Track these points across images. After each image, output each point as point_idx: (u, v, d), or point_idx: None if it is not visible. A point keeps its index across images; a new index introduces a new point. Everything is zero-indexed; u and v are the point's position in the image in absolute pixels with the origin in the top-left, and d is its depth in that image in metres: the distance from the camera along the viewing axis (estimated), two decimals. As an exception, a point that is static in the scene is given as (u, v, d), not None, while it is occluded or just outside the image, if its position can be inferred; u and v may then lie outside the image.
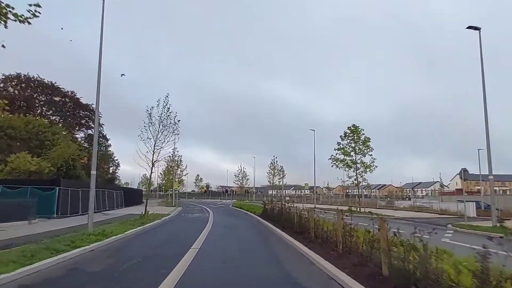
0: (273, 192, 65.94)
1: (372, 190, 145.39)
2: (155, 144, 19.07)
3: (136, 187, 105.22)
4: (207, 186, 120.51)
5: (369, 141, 26.62)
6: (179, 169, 48.20)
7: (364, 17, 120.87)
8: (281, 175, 51.74)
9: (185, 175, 49.96)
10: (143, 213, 18.97)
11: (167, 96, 19.40)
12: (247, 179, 68.98)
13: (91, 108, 49.10)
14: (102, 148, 57.97)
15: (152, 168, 19.33)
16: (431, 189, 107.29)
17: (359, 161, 26.72)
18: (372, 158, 26.55)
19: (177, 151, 43.69)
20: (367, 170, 26.53)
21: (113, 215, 22.63)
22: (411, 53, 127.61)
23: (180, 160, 48.42)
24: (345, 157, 26.69)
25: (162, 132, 19.09)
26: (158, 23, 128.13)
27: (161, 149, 18.98)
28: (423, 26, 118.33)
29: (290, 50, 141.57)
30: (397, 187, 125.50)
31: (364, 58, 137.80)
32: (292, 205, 13.68)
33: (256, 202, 61.72)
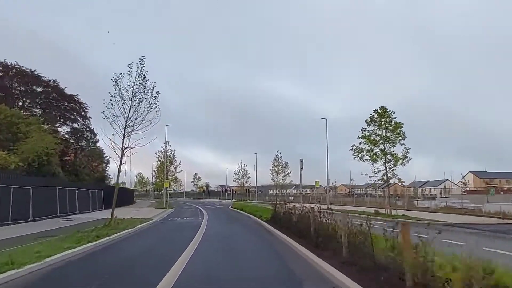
0: (275, 192, 60.78)
1: (375, 189, 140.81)
2: (126, 124, 13.88)
3: (133, 187, 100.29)
4: (207, 186, 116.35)
5: (401, 127, 21.38)
6: (172, 165, 42.87)
7: (366, 13, 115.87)
8: (286, 172, 46.53)
9: (179, 172, 44.61)
10: (110, 219, 13.79)
11: (143, 60, 14.16)
12: (248, 177, 63.80)
13: (77, 99, 44.07)
14: (90, 144, 52.94)
15: (122, 158, 14.10)
16: (441, 188, 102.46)
17: (388, 152, 21.45)
18: (405, 148, 21.30)
19: (170, 145, 38.57)
20: (399, 163, 21.30)
21: (78, 220, 17.50)
22: (415, 48, 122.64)
23: (173, 155, 43.12)
24: (372, 146, 21.39)
25: (135, 109, 13.90)
26: (152, 18, 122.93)
27: (133, 131, 13.76)
28: (428, 18, 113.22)
29: (290, 47, 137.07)
30: (402, 186, 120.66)
31: (366, 54, 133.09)
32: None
33: (259, 202, 56.42)
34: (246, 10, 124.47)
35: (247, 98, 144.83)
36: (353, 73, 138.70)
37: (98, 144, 55.62)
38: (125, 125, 13.79)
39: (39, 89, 41.62)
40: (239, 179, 63.71)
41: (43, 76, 40.29)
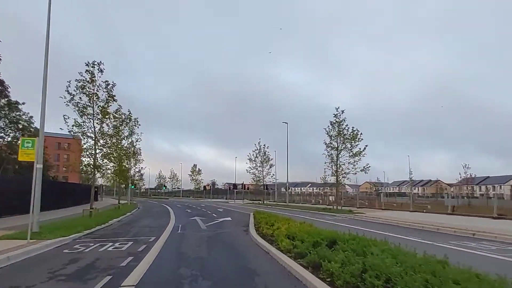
0: (327, 190, 37.75)
1: (411, 188, 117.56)
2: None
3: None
4: (213, 184, 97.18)
5: None
6: (122, 123, 19.36)
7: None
8: (357, 148, 23.45)
9: (138, 140, 20.95)
10: None
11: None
12: (270, 166, 40.37)
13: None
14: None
15: None
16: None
17: None
18: None
19: (100, 71, 15.45)
20: None
21: None
22: (436, 24, 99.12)
23: (127, 114, 19.08)
24: None
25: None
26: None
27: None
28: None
29: (293, 34, 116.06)
30: (449, 184, 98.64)
31: (377, 35, 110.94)
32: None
33: (295, 206, 31.71)
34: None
35: (250, 92, 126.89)
36: (364, 57, 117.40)
37: (21, 107, 32.99)
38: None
39: None
40: (257, 168, 40.45)
41: None
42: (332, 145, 24.41)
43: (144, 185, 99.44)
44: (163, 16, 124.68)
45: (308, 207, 30.47)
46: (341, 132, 23.86)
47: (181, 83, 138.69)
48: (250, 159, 40.66)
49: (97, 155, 15.84)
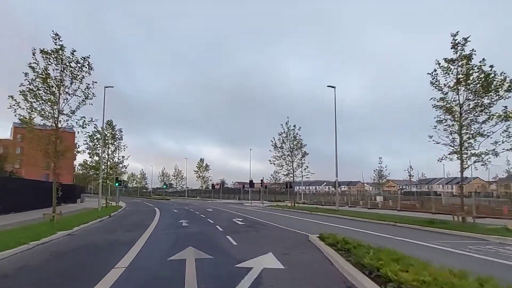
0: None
1: (443, 186, 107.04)
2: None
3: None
4: (222, 183, 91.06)
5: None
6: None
7: None
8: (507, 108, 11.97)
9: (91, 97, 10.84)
10: None
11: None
12: (303, 155, 28.83)
13: None
14: None
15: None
16: None
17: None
18: None
19: None
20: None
21: None
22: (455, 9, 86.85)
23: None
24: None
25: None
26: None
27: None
28: None
29: (298, 25, 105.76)
30: (489, 181, 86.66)
31: (390, 20, 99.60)
32: None
33: (359, 212, 18.05)
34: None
35: (259, 89, 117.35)
36: (377, 46, 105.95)
37: None
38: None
39: None
40: (284, 158, 29.15)
41: None
42: (447, 102, 13.04)
43: (147, 184, 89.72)
44: (162, 11, 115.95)
45: (380, 215, 19.00)
46: (469, 76, 12.49)
47: (183, 80, 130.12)
48: (274, 146, 29.38)
49: None
